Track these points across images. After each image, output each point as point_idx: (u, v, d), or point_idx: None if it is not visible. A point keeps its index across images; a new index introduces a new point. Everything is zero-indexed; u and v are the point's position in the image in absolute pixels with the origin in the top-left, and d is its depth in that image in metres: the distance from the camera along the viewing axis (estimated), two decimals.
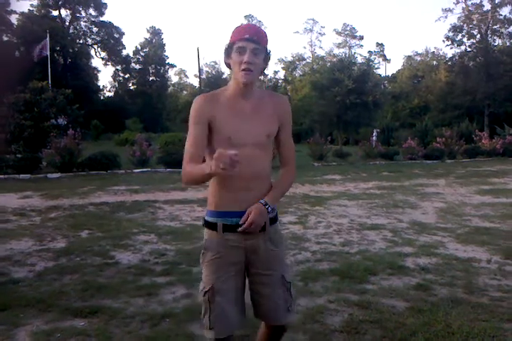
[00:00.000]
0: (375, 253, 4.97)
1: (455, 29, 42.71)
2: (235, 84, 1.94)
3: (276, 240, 2.04)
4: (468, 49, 42.78)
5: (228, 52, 1.91)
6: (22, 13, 40.04)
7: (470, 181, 11.99)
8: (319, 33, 61.16)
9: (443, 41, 44.06)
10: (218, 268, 1.96)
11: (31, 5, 42.33)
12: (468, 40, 42.98)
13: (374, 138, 22.33)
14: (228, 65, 1.97)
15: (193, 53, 79.22)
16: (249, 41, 1.84)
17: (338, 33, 59.75)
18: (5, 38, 37.60)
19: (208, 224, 2.00)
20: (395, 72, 59.87)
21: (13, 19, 39.43)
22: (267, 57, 1.95)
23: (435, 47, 57.37)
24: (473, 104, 38.40)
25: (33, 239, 5.47)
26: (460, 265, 4.55)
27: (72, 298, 3.59)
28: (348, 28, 59.34)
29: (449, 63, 44.42)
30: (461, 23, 42.82)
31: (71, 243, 5.35)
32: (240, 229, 1.90)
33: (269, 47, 1.95)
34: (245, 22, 59.29)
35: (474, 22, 42.10)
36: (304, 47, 61.71)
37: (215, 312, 1.93)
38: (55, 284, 3.93)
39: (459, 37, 42.98)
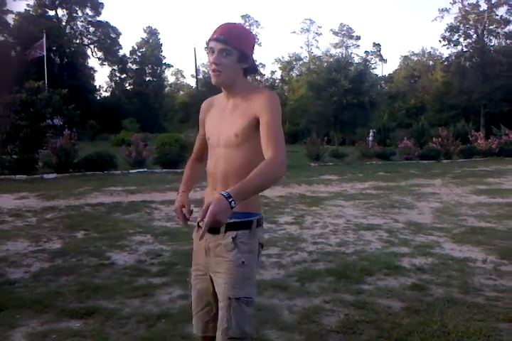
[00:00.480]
0: (371, 254, 4.98)
1: (451, 29, 42.84)
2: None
3: (231, 249, 1.81)
4: (465, 49, 42.94)
5: (207, 52, 1.90)
6: (18, 13, 39.97)
7: (466, 181, 12.03)
8: (316, 33, 61.35)
9: (439, 41, 44.13)
10: (193, 262, 2.01)
11: (28, 5, 42.19)
12: (464, 40, 43.15)
13: (370, 138, 22.38)
14: None
15: (190, 53, 79.32)
16: (217, 41, 1.79)
17: (335, 33, 59.90)
18: (1, 38, 37.48)
19: None
20: (391, 72, 60.04)
21: (10, 19, 39.34)
22: (243, 57, 1.82)
23: (431, 47, 57.51)
24: (469, 104, 38.52)
25: (29, 240, 5.46)
26: (456, 265, 4.56)
27: (68, 299, 3.58)
28: (345, 28, 59.49)
29: (446, 63, 44.55)
30: (458, 23, 42.96)
31: (67, 244, 5.33)
32: (199, 221, 1.69)
33: (244, 46, 1.82)
34: (242, 22, 59.36)
35: (471, 22, 42.24)
36: (301, 47, 61.93)
37: (193, 303, 1.99)
38: (50, 285, 3.92)
39: (456, 37, 43.14)
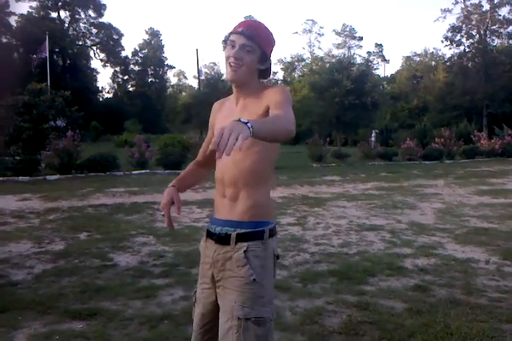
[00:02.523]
0: (373, 254, 4.97)
1: (454, 29, 42.73)
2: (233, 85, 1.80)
3: (243, 264, 1.69)
4: (467, 49, 42.78)
5: (224, 46, 1.77)
6: (21, 15, 40.15)
7: (469, 182, 12.00)
8: (318, 34, 61.35)
9: (442, 41, 44.07)
10: (200, 275, 1.87)
11: (30, 7, 42.33)
12: (467, 40, 43.00)
13: (373, 138, 22.34)
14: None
15: (192, 54, 79.39)
16: (241, 35, 1.67)
17: (338, 34, 59.87)
18: (4, 40, 37.59)
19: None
20: (393, 72, 60.08)
21: (13, 21, 39.50)
22: (263, 57, 1.73)
23: (434, 48, 57.49)
24: (471, 104, 38.43)
25: (32, 241, 5.47)
26: (458, 266, 4.55)
27: (71, 301, 3.59)
28: (348, 29, 59.47)
29: (448, 63, 44.42)
30: (460, 24, 42.83)
31: (69, 245, 5.34)
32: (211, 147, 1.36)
33: (267, 47, 1.73)
34: None
35: (473, 22, 42.12)
36: (303, 48, 61.93)
37: (195, 318, 1.85)
38: (53, 286, 3.93)
39: (458, 37, 43.00)
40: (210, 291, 1.81)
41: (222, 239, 1.75)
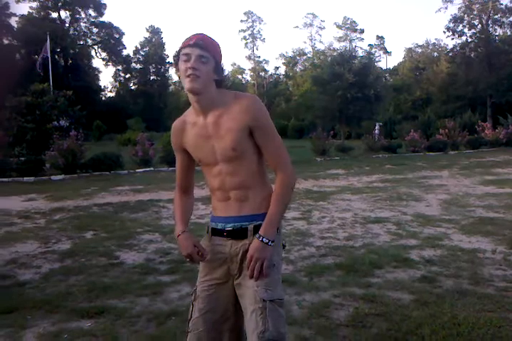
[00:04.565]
0: (379, 247, 4.96)
1: (455, 20, 42.40)
2: (191, 100, 1.82)
3: None
4: (470, 39, 42.45)
5: (176, 62, 1.78)
6: (22, 16, 40.12)
7: (474, 172, 11.96)
8: (319, 27, 61.05)
9: (444, 32, 43.81)
10: (204, 272, 1.90)
11: (31, 7, 42.26)
12: (469, 30, 42.66)
13: (376, 131, 22.30)
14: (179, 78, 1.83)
15: None
16: (195, 47, 1.70)
17: (339, 27, 59.54)
18: (5, 41, 37.62)
19: (206, 228, 1.99)
20: (396, 64, 59.71)
21: (13, 22, 39.49)
22: (218, 67, 1.77)
23: (436, 39, 57.04)
24: (475, 94, 38.21)
25: (38, 241, 5.50)
26: (465, 256, 4.54)
27: (79, 299, 3.61)
28: (349, 22, 59.12)
29: (450, 54, 44.14)
30: (462, 14, 42.49)
31: (76, 244, 5.37)
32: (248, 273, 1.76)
33: (222, 60, 1.80)
34: (245, 19, 59.21)
35: (475, 12, 41.80)
36: (305, 42, 61.55)
37: (193, 317, 1.86)
38: (61, 285, 3.95)
39: (460, 27, 42.67)
40: (222, 286, 1.86)
41: (237, 234, 1.83)
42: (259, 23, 59.80)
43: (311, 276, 4.02)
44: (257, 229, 1.79)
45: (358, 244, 5.10)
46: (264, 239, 1.73)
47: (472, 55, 41.68)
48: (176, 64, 1.79)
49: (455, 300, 3.38)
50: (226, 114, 1.78)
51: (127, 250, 5.07)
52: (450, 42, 53.38)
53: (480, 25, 41.95)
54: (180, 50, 1.75)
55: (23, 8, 53.73)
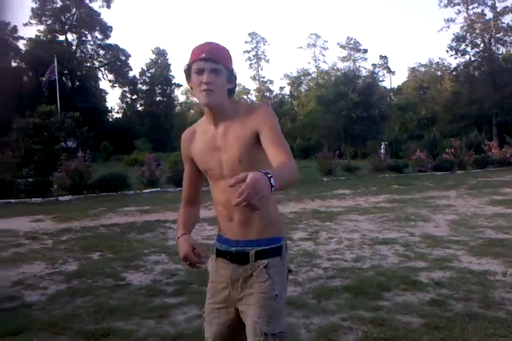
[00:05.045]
0: (387, 269, 4.91)
1: (458, 39, 42.76)
2: (204, 111, 1.81)
3: (264, 280, 1.73)
4: (473, 58, 42.74)
5: (187, 74, 1.77)
6: (30, 39, 40.93)
7: (481, 192, 11.88)
8: (322, 48, 61.73)
9: (447, 51, 44.00)
10: (210, 294, 1.88)
11: (38, 30, 43.17)
12: (472, 49, 42.98)
13: (382, 151, 22.27)
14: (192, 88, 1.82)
15: None
16: (207, 61, 1.69)
17: (342, 47, 60.20)
18: (14, 64, 38.32)
19: (213, 246, 1.95)
20: (400, 83, 60.08)
21: (21, 45, 40.31)
22: (231, 76, 1.77)
23: (439, 58, 57.37)
24: (480, 113, 38.25)
25: (45, 262, 5.49)
26: (475, 278, 4.48)
27: (85, 321, 3.59)
28: (352, 42, 59.78)
29: (454, 73, 44.39)
30: (464, 33, 42.90)
31: (83, 265, 5.36)
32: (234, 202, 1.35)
33: (233, 67, 1.78)
34: (249, 40, 60.10)
35: (477, 31, 42.17)
36: (309, 63, 61.99)
37: (207, 336, 1.85)
38: (67, 307, 3.93)
39: (463, 46, 42.98)
40: (223, 311, 1.82)
41: (239, 258, 1.77)
42: (264, 44, 60.67)
43: (319, 299, 3.98)
44: (258, 254, 1.74)
45: (366, 266, 5.06)
46: (270, 176, 1.37)
47: (476, 74, 41.90)
48: (187, 75, 1.77)
49: (466, 323, 3.33)
50: (236, 123, 1.76)
51: (134, 271, 5.06)
52: (453, 61, 53.74)
53: (483, 44, 42.27)
54: (191, 63, 1.74)
55: (31, 32, 54.82)
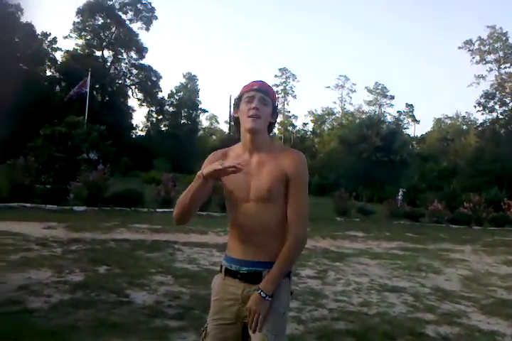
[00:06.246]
0: (394, 317, 4.80)
1: (487, 96, 42.95)
2: (243, 137, 1.96)
3: (275, 298, 1.89)
4: (500, 116, 42.79)
5: (237, 104, 1.97)
6: (67, 51, 42.24)
7: (497, 250, 11.62)
8: (350, 90, 62.34)
9: (474, 106, 44.14)
10: (214, 311, 1.97)
11: (76, 44, 44.55)
12: (500, 107, 43.08)
13: (400, 197, 22.06)
14: (236, 120, 1.99)
15: (225, 100, 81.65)
16: (258, 91, 1.91)
17: (370, 91, 60.79)
18: (48, 73, 39.49)
19: (220, 266, 2.06)
20: (423, 133, 60.13)
21: (58, 56, 41.62)
22: (275, 111, 1.99)
23: (466, 112, 57.41)
24: (503, 171, 37.89)
25: (52, 270, 5.49)
26: (483, 337, 4.36)
27: (84, 334, 3.56)
28: (380, 87, 60.40)
29: (480, 129, 44.36)
30: (494, 91, 43.11)
31: (88, 277, 5.35)
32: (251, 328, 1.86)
33: (276, 103, 2.00)
34: (279, 74, 61.12)
35: (507, 90, 42.37)
36: (334, 102, 62.51)
37: None
38: (68, 318, 3.91)
39: (491, 104, 43.13)
40: (230, 326, 1.94)
41: (251, 278, 1.91)
42: (293, 80, 61.53)
43: (321, 340, 3.89)
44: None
45: (372, 312, 4.95)
46: (262, 293, 1.83)
47: (502, 132, 41.79)
48: (236, 106, 1.98)
49: None
50: (272, 160, 1.92)
51: (138, 289, 5.03)
52: (480, 116, 53.49)
53: (511, 104, 42.33)
54: (243, 94, 1.95)
55: (70, 44, 56.52)
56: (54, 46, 41.72)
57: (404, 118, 59.78)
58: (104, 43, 45.96)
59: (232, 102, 2.10)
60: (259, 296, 1.84)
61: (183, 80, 52.83)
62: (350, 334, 4.09)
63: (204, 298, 4.75)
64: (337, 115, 62.26)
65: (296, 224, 1.90)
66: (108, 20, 44.69)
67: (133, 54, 47.78)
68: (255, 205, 1.90)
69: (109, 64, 46.89)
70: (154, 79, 48.87)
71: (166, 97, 51.78)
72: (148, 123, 53.09)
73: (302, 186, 1.93)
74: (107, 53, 46.96)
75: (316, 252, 8.79)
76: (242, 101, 1.94)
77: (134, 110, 49.99)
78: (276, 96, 2.05)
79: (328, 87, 63.02)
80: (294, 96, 62.31)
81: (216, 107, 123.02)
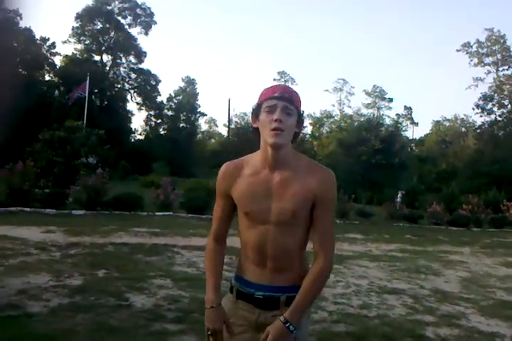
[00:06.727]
0: (394, 319, 4.80)
1: (486, 98, 42.97)
2: (263, 151, 1.71)
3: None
4: (499, 118, 42.83)
5: (256, 113, 1.69)
6: (66, 56, 42.29)
7: (496, 252, 11.63)
8: (348, 93, 62.43)
9: (473, 109, 44.13)
10: (225, 336, 1.80)
11: (75, 48, 44.58)
12: (498, 109, 43.10)
13: (399, 199, 22.07)
14: (256, 131, 1.72)
15: (225, 104, 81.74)
16: (280, 99, 1.63)
17: (368, 94, 60.88)
18: (47, 77, 39.54)
19: (230, 285, 1.89)
20: (422, 135, 60.18)
21: (57, 60, 41.69)
22: (300, 120, 1.71)
23: (464, 114, 57.43)
24: (502, 173, 37.93)
25: (51, 274, 5.48)
26: (483, 339, 4.36)
27: (83, 338, 3.56)
28: (378, 90, 60.50)
29: (478, 131, 44.40)
30: (492, 93, 43.17)
31: (87, 281, 5.34)
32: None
33: (303, 109, 1.73)
34: (278, 77, 61.23)
35: (505, 92, 42.44)
36: (333, 106, 62.56)
37: None
38: (67, 322, 3.90)
39: (490, 106, 43.14)
40: None
41: (267, 303, 1.75)
42: (292, 83, 61.57)
43: None
44: (289, 300, 1.71)
45: (372, 314, 4.95)
46: (289, 326, 1.63)
47: (500, 134, 41.84)
48: (255, 115, 1.71)
49: None
50: (297, 179, 1.70)
51: (137, 293, 5.02)
52: (479, 119, 53.56)
53: (510, 106, 42.41)
54: (262, 102, 1.68)
55: (68, 49, 56.58)
56: (53, 51, 41.73)
57: (402, 121, 59.84)
58: (103, 48, 46.00)
59: (250, 110, 1.72)
60: (285, 329, 1.62)
61: (182, 84, 52.92)
62: (350, 337, 4.10)
63: (203, 301, 4.75)
64: (336, 118, 62.29)
65: (325, 246, 1.76)
66: (107, 25, 44.76)
67: (132, 58, 47.81)
68: (275, 229, 1.71)
69: (108, 68, 46.91)
70: (153, 83, 48.92)
71: (164, 101, 51.81)
72: (147, 127, 53.07)
73: (331, 207, 1.74)
74: (105, 58, 46.99)
75: None
76: (261, 110, 1.66)
77: (132, 114, 50.02)
78: (301, 101, 1.71)
79: (327, 90, 63.18)
80: None
81: (215, 111, 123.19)
